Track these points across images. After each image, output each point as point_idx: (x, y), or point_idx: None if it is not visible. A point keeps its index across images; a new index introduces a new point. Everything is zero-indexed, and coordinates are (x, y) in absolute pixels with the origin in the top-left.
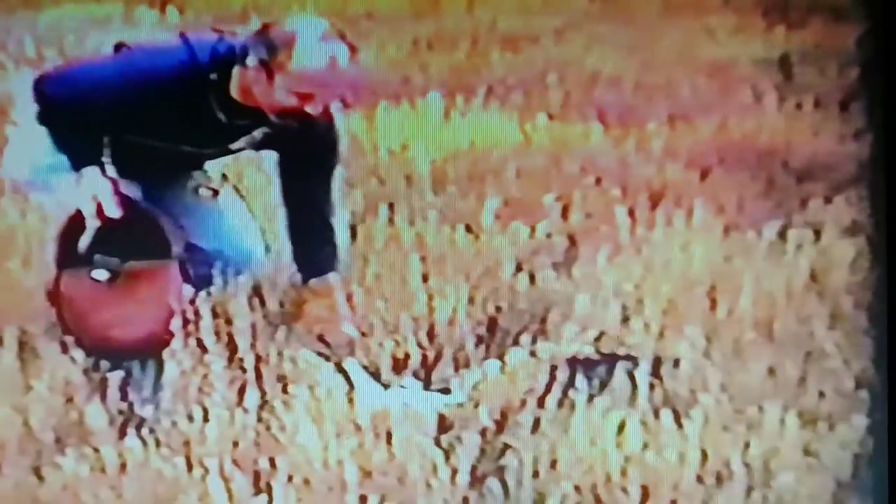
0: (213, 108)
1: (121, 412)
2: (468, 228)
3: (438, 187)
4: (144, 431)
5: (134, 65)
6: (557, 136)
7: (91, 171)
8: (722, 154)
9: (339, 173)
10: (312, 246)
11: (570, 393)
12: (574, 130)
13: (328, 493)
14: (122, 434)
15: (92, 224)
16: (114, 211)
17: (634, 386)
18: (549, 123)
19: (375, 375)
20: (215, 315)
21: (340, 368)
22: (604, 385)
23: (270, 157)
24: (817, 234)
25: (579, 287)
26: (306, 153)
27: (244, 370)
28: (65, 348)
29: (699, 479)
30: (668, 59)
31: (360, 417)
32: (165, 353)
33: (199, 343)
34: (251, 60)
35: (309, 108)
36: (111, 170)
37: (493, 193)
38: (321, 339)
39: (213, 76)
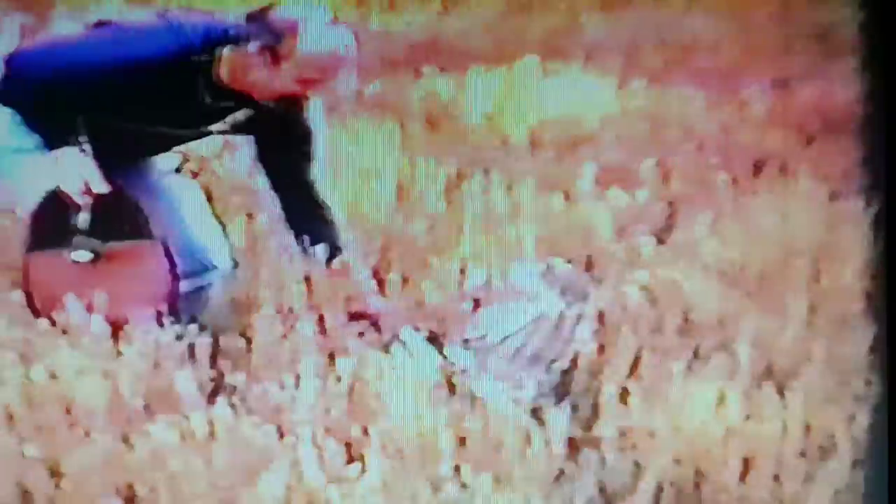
0: (199, 89)
1: (211, 379)
2: (565, 195)
3: (534, 152)
4: (235, 399)
5: (119, 43)
6: (656, 100)
7: (70, 151)
8: (827, 120)
9: (319, 156)
10: (313, 228)
11: (668, 362)
12: (673, 95)
13: (422, 463)
14: (212, 401)
15: (85, 201)
16: (102, 186)
17: (735, 356)
18: (648, 88)
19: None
20: (307, 281)
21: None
22: (704, 355)
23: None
24: None
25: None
26: (284, 137)
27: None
28: (157, 314)
29: (802, 453)
30: (771, 22)
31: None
32: (256, 319)
33: (290, 309)
34: (253, 46)
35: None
36: (88, 149)
37: (591, 159)
38: (360, 316)
39: (202, 57)
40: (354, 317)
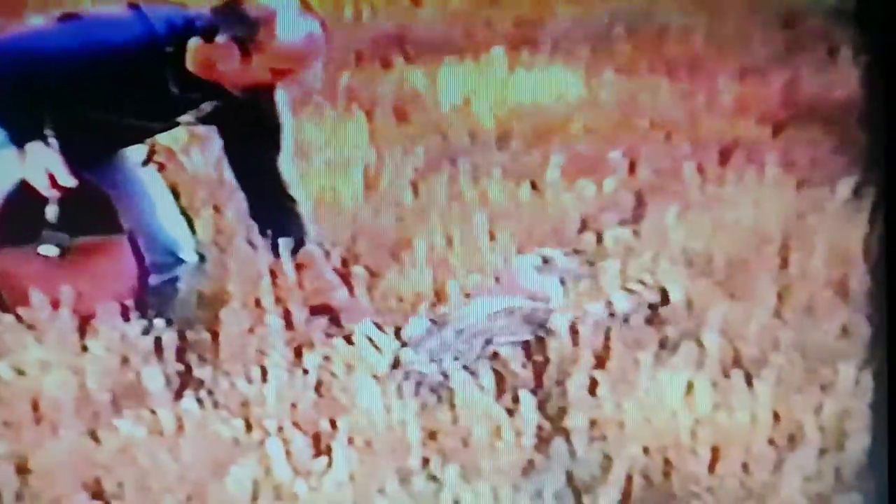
0: (167, 80)
1: (178, 373)
2: (533, 185)
3: (502, 143)
4: (202, 393)
5: (85, 36)
6: (625, 90)
7: (35, 146)
8: (795, 108)
9: (286, 148)
10: (279, 220)
11: (637, 353)
12: (642, 84)
13: (390, 455)
14: (179, 395)
15: (52, 195)
16: (68, 180)
17: (703, 346)
18: (616, 77)
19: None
20: (273, 275)
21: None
22: (672, 345)
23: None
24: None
25: (647, 244)
26: (251, 129)
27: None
28: (123, 309)
29: (771, 442)
30: (739, 11)
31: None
32: (223, 313)
33: (258, 303)
34: (222, 37)
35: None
36: (54, 143)
37: (559, 149)
38: (324, 308)
39: (170, 49)
40: (317, 310)
